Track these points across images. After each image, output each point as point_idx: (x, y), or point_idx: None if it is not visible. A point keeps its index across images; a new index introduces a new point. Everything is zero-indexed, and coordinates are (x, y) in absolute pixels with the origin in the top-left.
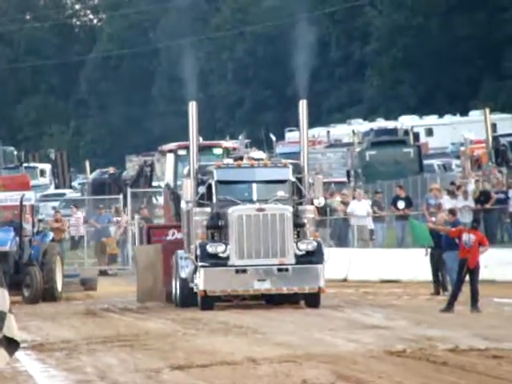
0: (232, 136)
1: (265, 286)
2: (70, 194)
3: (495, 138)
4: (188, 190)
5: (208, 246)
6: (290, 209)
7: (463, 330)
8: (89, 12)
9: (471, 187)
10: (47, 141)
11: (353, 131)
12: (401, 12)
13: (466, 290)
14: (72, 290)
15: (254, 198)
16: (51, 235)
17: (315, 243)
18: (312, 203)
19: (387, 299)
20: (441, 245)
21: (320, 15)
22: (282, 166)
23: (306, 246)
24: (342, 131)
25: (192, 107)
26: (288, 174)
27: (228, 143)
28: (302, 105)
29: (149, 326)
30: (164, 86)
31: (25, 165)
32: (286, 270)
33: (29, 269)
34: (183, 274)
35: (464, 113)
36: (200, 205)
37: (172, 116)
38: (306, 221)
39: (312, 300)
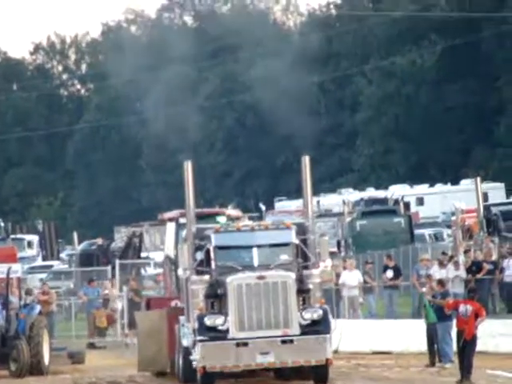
0: (221, 206)
1: (268, 360)
2: (57, 265)
3: (486, 208)
4: (185, 256)
5: (206, 319)
6: (293, 275)
7: None
8: (76, 82)
9: (462, 257)
10: (34, 212)
11: (343, 201)
12: (391, 81)
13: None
14: (59, 363)
15: (255, 263)
16: (38, 308)
17: (321, 311)
18: (318, 267)
19: (379, 371)
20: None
21: (310, 84)
22: (285, 227)
23: (312, 314)
24: (332, 201)
25: (187, 167)
26: (291, 236)
27: (232, 211)
28: (305, 161)
29: None
30: (152, 156)
31: (12, 236)
32: (291, 341)
33: (15, 342)
34: (185, 343)
35: (455, 182)
36: (198, 272)
37: (160, 186)
38: (311, 286)
39: (319, 373)
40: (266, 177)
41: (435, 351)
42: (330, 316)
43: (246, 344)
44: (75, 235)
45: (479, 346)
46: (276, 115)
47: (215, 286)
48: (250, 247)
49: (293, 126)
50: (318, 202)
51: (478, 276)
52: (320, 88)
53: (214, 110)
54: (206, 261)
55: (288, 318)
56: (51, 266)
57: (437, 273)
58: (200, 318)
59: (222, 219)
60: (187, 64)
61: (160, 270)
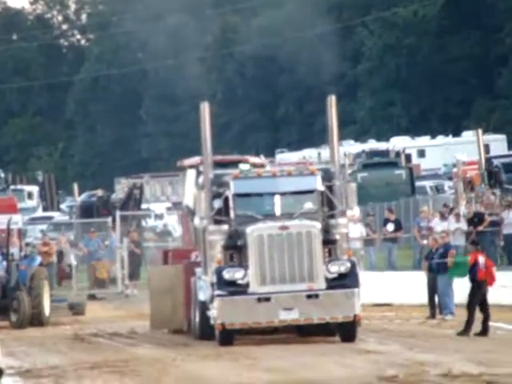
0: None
1: (292, 316)
2: (58, 216)
3: (488, 160)
4: (202, 204)
5: (225, 272)
6: (319, 225)
7: (456, 355)
8: (76, 32)
9: (463, 209)
10: (35, 163)
11: (344, 153)
12: (392, 32)
13: (460, 313)
14: (60, 314)
15: (277, 212)
16: (39, 259)
17: (349, 264)
18: (345, 215)
19: (380, 323)
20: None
21: (311, 35)
22: (309, 173)
23: (339, 267)
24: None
25: (204, 109)
26: (316, 183)
27: (255, 159)
28: (331, 101)
29: (138, 352)
30: (153, 106)
31: (12, 187)
32: (316, 296)
33: (16, 294)
34: (202, 297)
35: (456, 134)
36: (216, 222)
37: (161, 137)
38: (338, 237)
39: (347, 331)
40: (267, 128)
41: (436, 303)
42: (358, 268)
43: (267, 299)
44: (75, 186)
45: None
46: (276, 67)
47: (234, 237)
48: (271, 194)
49: (294, 77)
50: (319, 153)
51: (480, 228)
52: (321, 39)
53: (214, 60)
54: (225, 209)
55: (313, 272)
56: (51, 218)
57: (438, 225)
58: (218, 272)
59: (244, 167)
60: (188, 13)
61: (160, 222)
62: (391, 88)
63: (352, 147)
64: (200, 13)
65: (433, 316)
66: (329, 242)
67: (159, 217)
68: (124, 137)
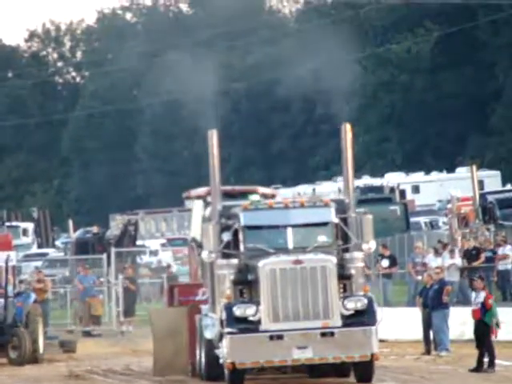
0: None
1: (306, 355)
2: (53, 253)
3: (482, 196)
4: (210, 237)
5: (235, 308)
6: (334, 259)
7: None
8: (71, 69)
9: (458, 246)
10: (30, 200)
11: (338, 188)
12: (386, 69)
13: (455, 349)
14: (51, 351)
15: (290, 245)
16: (33, 296)
17: (365, 300)
18: (360, 249)
19: None
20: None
21: (304, 72)
22: (323, 204)
23: (355, 303)
24: (327, 189)
25: (212, 136)
26: (330, 215)
27: (265, 189)
28: (345, 128)
29: None
30: (147, 143)
31: (7, 224)
32: (332, 334)
33: (16, 330)
34: (208, 335)
35: (451, 169)
36: (225, 255)
37: (156, 174)
38: (353, 271)
39: (363, 371)
40: (262, 165)
41: (430, 339)
42: (376, 305)
43: (280, 337)
44: (70, 223)
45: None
46: (271, 103)
47: (244, 271)
48: (283, 227)
49: (288, 114)
50: (314, 189)
51: (475, 264)
52: (315, 76)
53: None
54: (234, 242)
55: (328, 308)
56: (46, 254)
57: (432, 261)
58: (228, 308)
59: (255, 198)
60: (183, 51)
61: (155, 258)
62: (385, 124)
63: None
64: (195, 49)
65: (428, 352)
66: (344, 277)
67: (154, 253)
68: (119, 173)
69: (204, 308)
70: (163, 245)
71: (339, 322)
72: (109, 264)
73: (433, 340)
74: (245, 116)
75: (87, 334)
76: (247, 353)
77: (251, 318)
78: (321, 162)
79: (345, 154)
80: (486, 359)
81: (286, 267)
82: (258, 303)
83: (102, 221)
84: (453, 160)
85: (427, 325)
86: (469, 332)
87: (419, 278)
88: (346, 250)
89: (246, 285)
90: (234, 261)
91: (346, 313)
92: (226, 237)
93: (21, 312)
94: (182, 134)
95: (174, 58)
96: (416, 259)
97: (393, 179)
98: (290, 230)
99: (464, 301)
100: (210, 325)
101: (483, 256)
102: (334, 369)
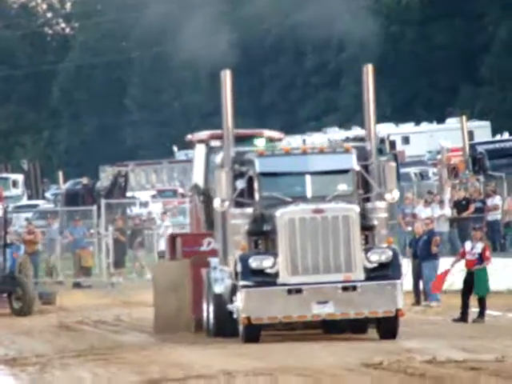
0: None
1: (326, 310)
2: (43, 204)
3: (472, 146)
4: (223, 184)
5: (251, 260)
6: (357, 208)
7: (441, 341)
8: (61, 21)
9: (448, 196)
10: (19, 151)
11: (328, 140)
12: (376, 20)
13: (445, 300)
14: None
15: (309, 194)
16: (23, 248)
17: (390, 252)
18: (383, 198)
19: None
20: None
21: (296, 23)
22: (344, 151)
23: (379, 256)
24: (317, 140)
25: (225, 77)
26: (351, 162)
27: (272, 132)
28: (367, 70)
29: (124, 340)
30: (138, 94)
31: None
32: (354, 288)
33: (20, 280)
34: (218, 289)
35: (441, 120)
36: (239, 204)
37: (145, 125)
38: (376, 222)
39: (387, 327)
40: (252, 115)
41: (420, 290)
42: (401, 258)
43: (299, 291)
44: (60, 174)
45: None
46: (261, 54)
47: (260, 221)
48: (302, 174)
49: (278, 65)
50: (304, 140)
51: (465, 214)
52: (307, 26)
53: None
54: (248, 191)
55: (351, 261)
56: (36, 206)
57: (422, 212)
58: (243, 259)
59: (260, 142)
60: (172, 2)
61: (145, 210)
62: (375, 75)
63: (336, 134)
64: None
65: (418, 303)
66: (366, 227)
67: (144, 205)
68: (109, 125)
69: (213, 261)
70: (153, 196)
71: (362, 276)
72: (99, 215)
73: (422, 290)
74: (234, 67)
75: (77, 286)
76: (264, 307)
77: (268, 271)
78: (311, 113)
79: (366, 96)
80: (474, 310)
81: (305, 216)
82: (275, 255)
83: (92, 172)
84: (443, 111)
85: (417, 275)
86: (458, 282)
87: (409, 228)
88: (368, 200)
89: (261, 236)
90: (249, 210)
91: (370, 266)
92: (240, 184)
93: (15, 263)
94: (171, 85)
95: (164, 10)
96: (406, 210)
97: (383, 130)
98: (308, 178)
99: (453, 251)
100: (220, 279)
101: (473, 206)
102: (350, 325)
